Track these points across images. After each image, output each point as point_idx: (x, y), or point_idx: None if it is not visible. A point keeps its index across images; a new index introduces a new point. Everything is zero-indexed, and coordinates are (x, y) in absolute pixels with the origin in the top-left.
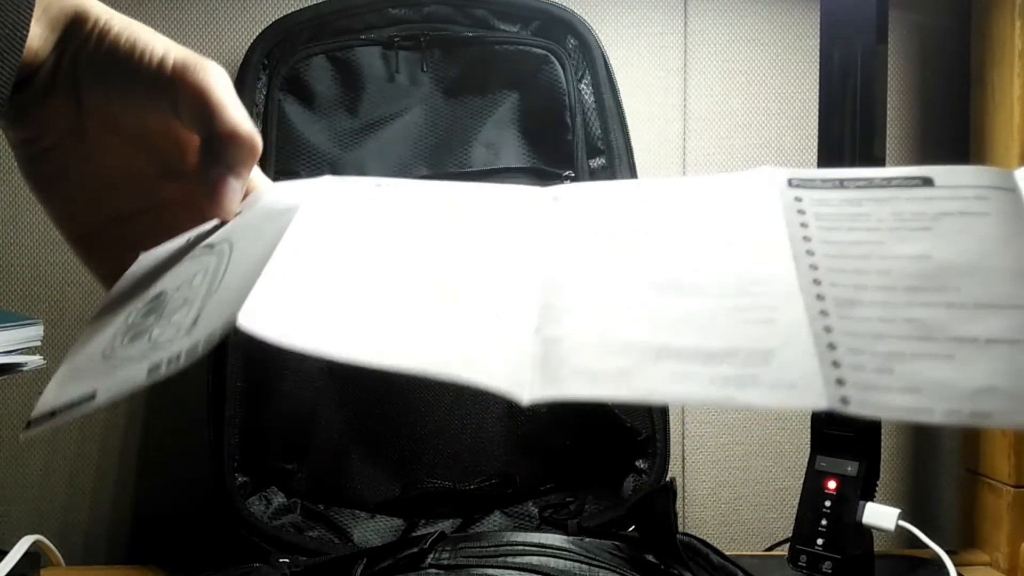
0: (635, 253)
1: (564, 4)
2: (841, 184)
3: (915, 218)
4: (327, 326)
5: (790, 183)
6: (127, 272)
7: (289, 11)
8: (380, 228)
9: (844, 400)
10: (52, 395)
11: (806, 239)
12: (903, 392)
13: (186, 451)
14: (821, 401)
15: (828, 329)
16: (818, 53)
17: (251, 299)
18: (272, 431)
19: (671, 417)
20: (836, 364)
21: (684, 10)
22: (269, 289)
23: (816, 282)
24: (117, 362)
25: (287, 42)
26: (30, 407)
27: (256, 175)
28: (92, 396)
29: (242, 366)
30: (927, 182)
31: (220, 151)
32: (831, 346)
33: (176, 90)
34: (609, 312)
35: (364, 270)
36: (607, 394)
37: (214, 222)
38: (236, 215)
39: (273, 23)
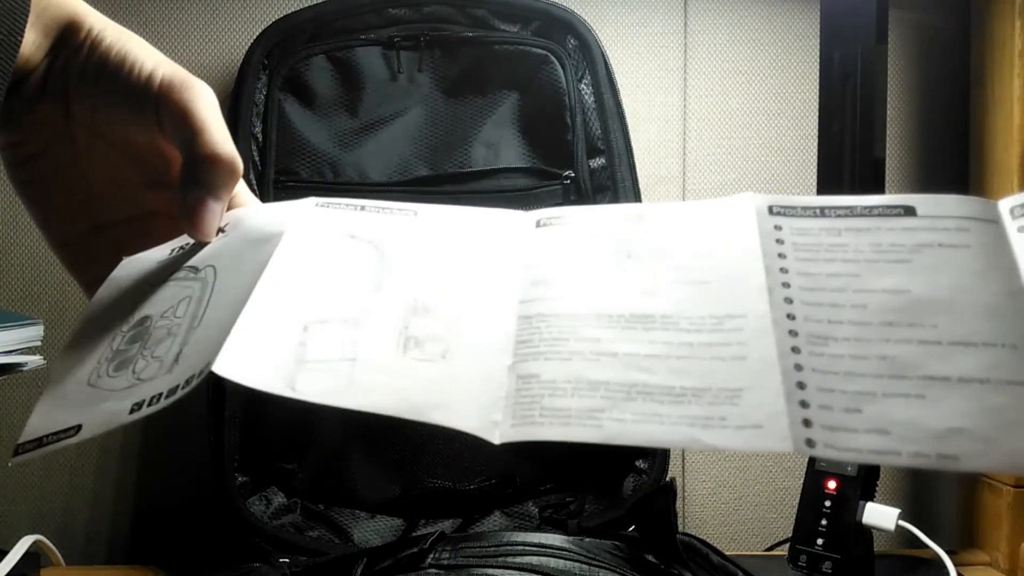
0: (610, 286)
1: (564, 4)
2: (822, 212)
3: (894, 249)
4: (297, 371)
5: (771, 210)
6: (109, 278)
7: (289, 11)
8: (355, 268)
9: (809, 442)
10: (39, 421)
11: (783, 270)
12: (870, 433)
13: (186, 451)
14: (786, 444)
15: (799, 367)
16: (818, 53)
17: (228, 346)
18: (272, 431)
19: None
20: (804, 404)
21: (684, 10)
22: (245, 336)
23: (790, 316)
24: (102, 394)
25: (287, 42)
26: (30, 407)
27: (241, 190)
28: (77, 429)
29: None
30: (909, 211)
31: (200, 173)
32: (800, 385)
33: (161, 107)
34: (581, 350)
35: (336, 312)
36: (577, 436)
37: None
38: (220, 233)
39: (273, 23)
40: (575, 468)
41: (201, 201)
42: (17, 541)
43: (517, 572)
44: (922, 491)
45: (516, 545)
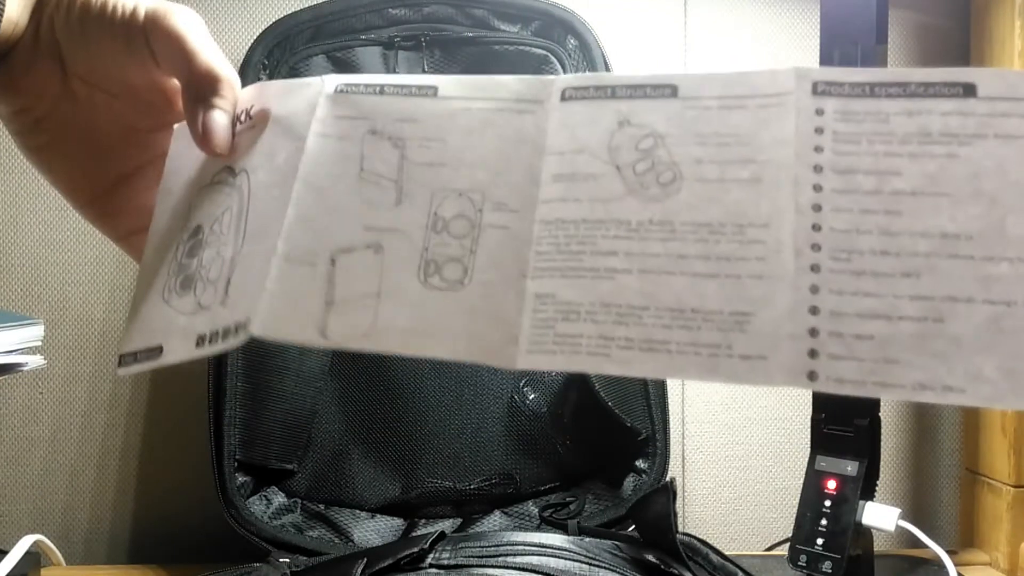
0: (631, 181)
1: (564, 4)
2: (871, 91)
3: (943, 140)
4: (327, 315)
5: (815, 89)
6: (161, 185)
7: (289, 11)
8: (376, 178)
9: (812, 375)
10: (130, 334)
11: (817, 168)
12: (876, 363)
13: (187, 451)
14: (786, 377)
15: (815, 288)
16: (818, 54)
17: (262, 303)
18: (272, 431)
19: (671, 417)
20: (814, 332)
21: (684, 10)
22: (277, 287)
23: (815, 227)
24: (173, 314)
25: (287, 42)
26: (30, 407)
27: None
28: (160, 351)
29: (242, 366)
30: (968, 90)
31: (201, 90)
32: (813, 309)
33: (151, 39)
34: (597, 266)
35: (360, 237)
36: (585, 367)
37: None
38: (246, 125)
39: (273, 23)
40: (575, 468)
41: (208, 117)
42: (17, 541)
43: (517, 572)
44: (922, 491)
45: (516, 545)
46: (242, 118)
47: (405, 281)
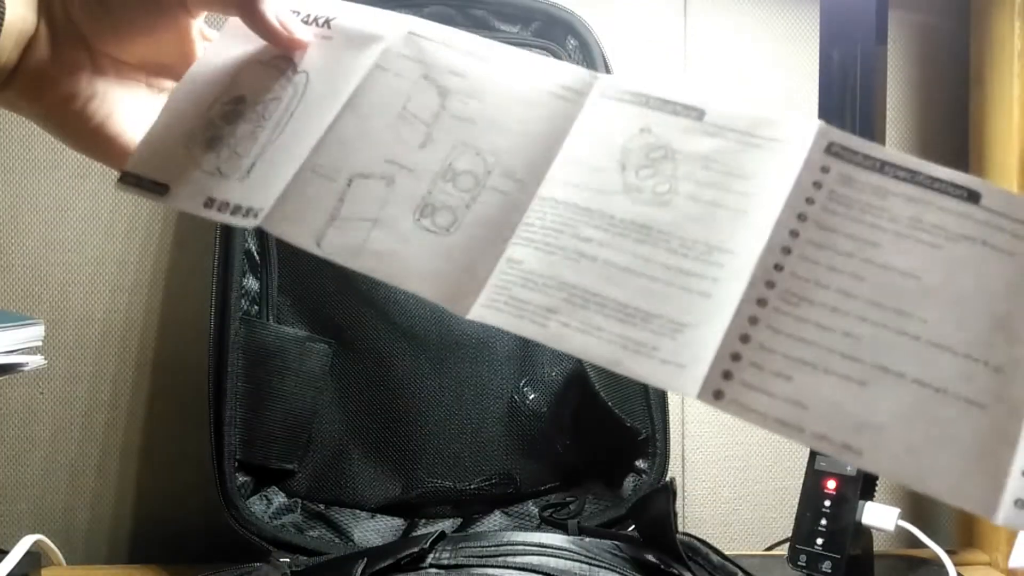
0: (630, 184)
1: (564, 5)
2: (880, 167)
3: (933, 230)
4: (327, 228)
5: (829, 148)
6: (218, 38)
7: None
8: (412, 120)
9: (718, 394)
10: (141, 156)
11: (800, 217)
12: (786, 403)
13: (187, 451)
14: (693, 389)
15: (754, 320)
16: (818, 54)
17: (278, 201)
18: (273, 431)
19: (671, 417)
20: (736, 357)
21: (684, 10)
22: (294, 189)
23: (777, 267)
24: (191, 162)
25: None
26: (31, 407)
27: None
28: (165, 189)
29: (242, 366)
30: (972, 196)
31: None
32: (744, 338)
33: None
34: (567, 247)
35: (379, 167)
36: (522, 330)
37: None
38: (323, 30)
39: None
40: (575, 468)
41: (279, 16)
42: (18, 541)
43: (517, 572)
44: None
45: (516, 545)
46: (320, 22)
47: (401, 216)
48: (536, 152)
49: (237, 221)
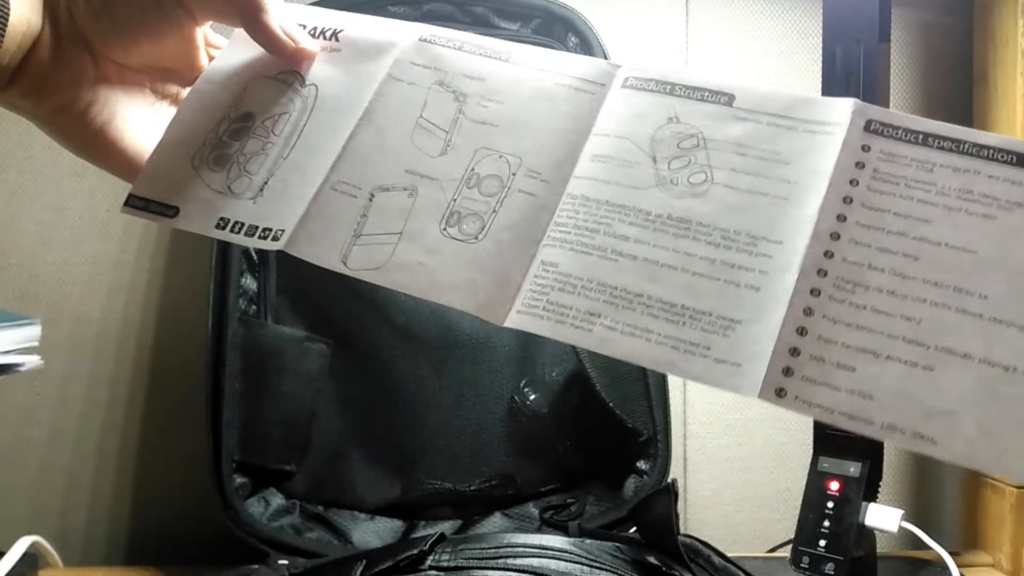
0: (664, 177)
1: (564, 2)
2: (924, 140)
3: (984, 201)
4: (352, 245)
5: (868, 125)
6: (225, 49)
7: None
8: (430, 127)
9: (780, 392)
10: (148, 180)
11: (846, 200)
12: (851, 395)
13: (185, 452)
14: (755, 389)
15: (809, 311)
16: (820, 52)
17: (300, 224)
18: (271, 432)
19: (673, 418)
20: (795, 351)
21: (686, 8)
22: (315, 210)
23: (827, 254)
24: (200, 183)
25: None
26: (28, 408)
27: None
28: (175, 212)
29: (240, 366)
30: (1021, 160)
31: (251, 6)
32: (801, 331)
33: None
34: (605, 246)
35: (400, 179)
36: (567, 337)
37: None
38: (331, 43)
39: None
40: (576, 469)
41: (283, 27)
42: (15, 542)
43: (517, 574)
44: (925, 492)
45: (516, 547)
46: (327, 35)
47: (427, 226)
48: (561, 149)
49: (257, 243)
